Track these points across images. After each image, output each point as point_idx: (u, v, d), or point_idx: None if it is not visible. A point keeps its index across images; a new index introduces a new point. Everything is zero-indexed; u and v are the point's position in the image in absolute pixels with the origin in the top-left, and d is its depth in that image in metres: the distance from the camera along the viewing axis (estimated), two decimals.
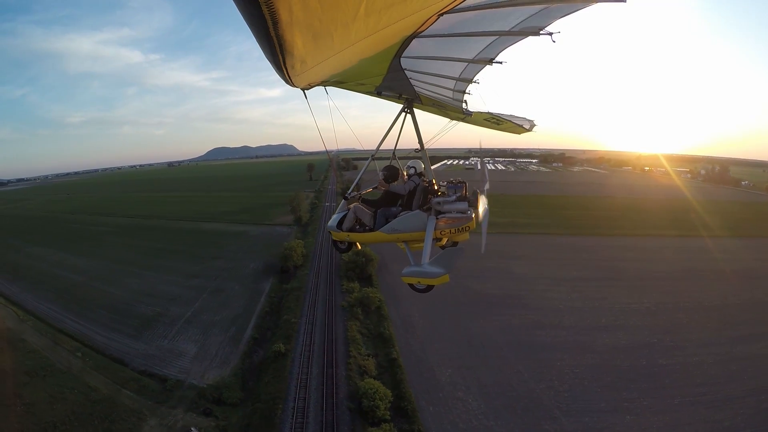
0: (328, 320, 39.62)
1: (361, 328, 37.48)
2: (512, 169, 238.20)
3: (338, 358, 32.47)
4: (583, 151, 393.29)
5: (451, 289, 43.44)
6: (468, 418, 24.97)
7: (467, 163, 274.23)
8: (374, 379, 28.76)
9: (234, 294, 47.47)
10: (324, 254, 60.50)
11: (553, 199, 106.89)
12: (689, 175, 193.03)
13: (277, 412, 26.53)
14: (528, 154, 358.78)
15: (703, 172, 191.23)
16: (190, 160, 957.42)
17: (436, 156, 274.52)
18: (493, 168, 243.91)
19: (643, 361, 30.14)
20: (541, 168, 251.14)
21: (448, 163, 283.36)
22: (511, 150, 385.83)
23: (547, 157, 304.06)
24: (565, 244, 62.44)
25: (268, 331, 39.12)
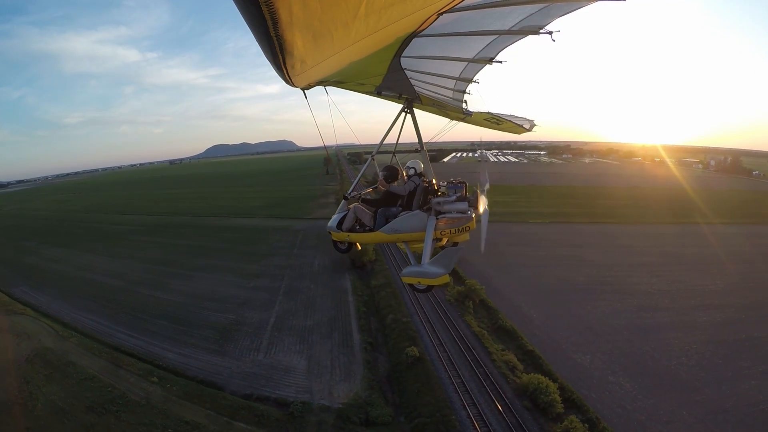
0: (443, 317, 34.24)
1: (479, 323, 33.39)
2: (524, 161, 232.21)
3: (480, 356, 28.56)
4: (586, 143, 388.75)
5: (541, 278, 42.93)
6: (630, 400, 24.30)
7: (477, 155, 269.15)
8: (523, 372, 26.51)
9: (314, 294, 40.38)
10: (392, 247, 53.63)
11: (584, 189, 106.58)
12: (700, 166, 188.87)
13: (453, 424, 22.31)
14: (533, 146, 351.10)
15: (712, 162, 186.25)
16: (191, 158, 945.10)
17: (444, 149, 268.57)
18: (505, 160, 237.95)
19: (743, 335, 31.25)
20: (552, 160, 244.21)
21: (458, 155, 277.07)
22: (515, 142, 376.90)
23: (555, 149, 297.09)
24: (619, 232, 61.96)
25: (378, 334, 32.95)
